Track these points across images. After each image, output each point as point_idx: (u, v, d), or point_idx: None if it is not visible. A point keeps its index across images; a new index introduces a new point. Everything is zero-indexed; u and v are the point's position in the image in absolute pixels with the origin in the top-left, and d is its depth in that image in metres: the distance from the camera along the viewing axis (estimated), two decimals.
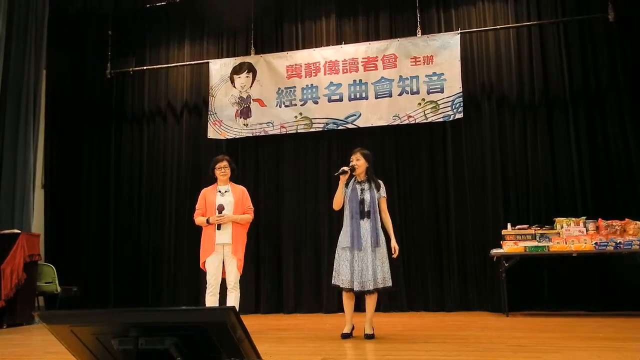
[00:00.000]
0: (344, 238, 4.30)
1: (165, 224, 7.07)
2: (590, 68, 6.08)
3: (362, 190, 4.33)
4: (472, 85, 6.40)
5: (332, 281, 4.30)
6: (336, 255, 4.33)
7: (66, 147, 7.53)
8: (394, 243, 4.31)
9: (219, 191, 4.71)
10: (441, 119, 6.28)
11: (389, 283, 4.23)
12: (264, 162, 6.94)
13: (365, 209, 4.28)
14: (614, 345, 3.65)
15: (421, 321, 5.36)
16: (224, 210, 4.58)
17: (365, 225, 4.24)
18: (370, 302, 4.25)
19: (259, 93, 6.89)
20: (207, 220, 4.61)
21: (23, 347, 4.44)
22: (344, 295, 4.30)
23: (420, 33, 6.49)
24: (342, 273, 4.21)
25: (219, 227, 4.57)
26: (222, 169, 4.72)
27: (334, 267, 4.31)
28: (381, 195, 4.38)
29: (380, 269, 4.18)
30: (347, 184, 4.39)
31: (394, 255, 4.29)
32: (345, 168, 4.35)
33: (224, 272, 4.63)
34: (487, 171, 6.20)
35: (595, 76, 6.07)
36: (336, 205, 4.41)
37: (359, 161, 4.36)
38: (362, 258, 4.18)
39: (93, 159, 7.45)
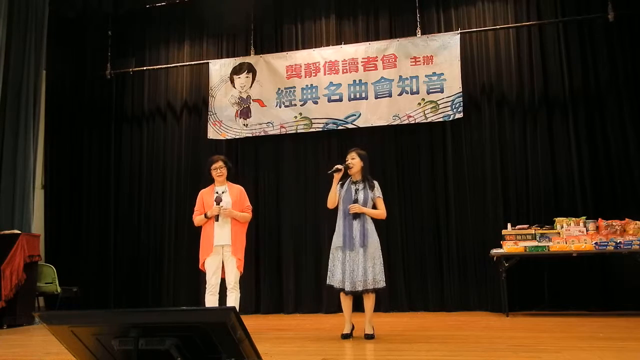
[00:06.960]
0: (336, 238, 4.30)
1: (165, 224, 7.07)
2: (590, 68, 6.09)
3: (357, 190, 4.32)
4: (471, 85, 6.40)
5: (327, 281, 4.31)
6: (330, 256, 4.33)
7: (66, 147, 7.53)
8: (362, 209, 4.21)
9: (217, 192, 4.66)
10: (441, 119, 6.28)
11: (381, 284, 4.19)
12: (263, 162, 6.94)
13: None
14: (614, 345, 3.65)
15: (421, 321, 5.35)
16: (221, 202, 4.52)
17: (357, 225, 4.23)
18: (368, 302, 4.24)
19: (258, 93, 6.89)
20: (205, 215, 4.55)
21: (23, 348, 4.43)
22: (341, 295, 4.29)
23: (420, 33, 6.50)
24: (336, 273, 4.22)
25: (217, 219, 4.51)
26: (218, 170, 4.68)
27: (329, 267, 4.32)
28: (376, 195, 4.36)
29: (371, 270, 4.15)
30: (342, 184, 4.39)
31: (350, 211, 4.19)
32: (339, 166, 4.34)
33: (223, 272, 4.60)
34: (487, 171, 6.21)
35: (595, 76, 6.07)
36: (330, 203, 4.39)
37: (354, 160, 4.36)
38: (353, 258, 4.18)
39: (93, 159, 7.45)
